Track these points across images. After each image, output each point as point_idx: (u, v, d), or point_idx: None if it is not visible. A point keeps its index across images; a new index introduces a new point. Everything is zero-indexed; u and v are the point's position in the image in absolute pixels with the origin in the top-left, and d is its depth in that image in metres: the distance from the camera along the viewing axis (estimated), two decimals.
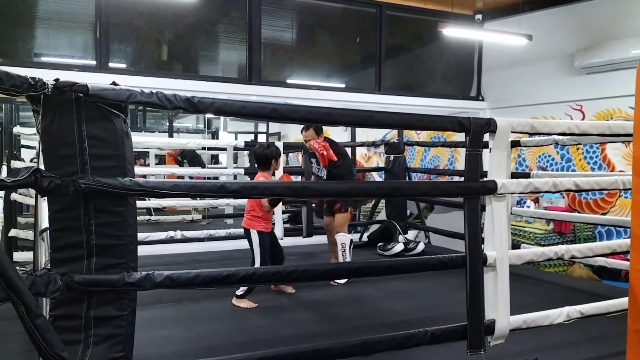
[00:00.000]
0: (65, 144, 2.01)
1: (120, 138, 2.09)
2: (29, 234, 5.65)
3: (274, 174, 4.64)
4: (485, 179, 2.74)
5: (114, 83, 2.04)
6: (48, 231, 2.12)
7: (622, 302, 2.98)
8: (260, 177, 4.39)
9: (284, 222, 6.30)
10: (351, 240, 5.18)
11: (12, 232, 5.71)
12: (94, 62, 5.76)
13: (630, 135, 2.84)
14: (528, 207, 6.56)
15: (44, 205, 2.70)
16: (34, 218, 3.08)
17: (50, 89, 1.93)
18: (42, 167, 2.06)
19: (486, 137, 2.73)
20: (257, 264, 4.15)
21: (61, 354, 1.74)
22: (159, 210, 7.77)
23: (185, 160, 9.80)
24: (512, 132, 2.81)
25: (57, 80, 1.96)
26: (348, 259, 5.03)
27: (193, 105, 2.13)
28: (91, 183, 1.99)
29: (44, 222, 2.75)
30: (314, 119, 2.38)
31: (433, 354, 2.92)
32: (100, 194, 2.03)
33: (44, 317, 1.77)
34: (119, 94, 2.01)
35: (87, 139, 2.02)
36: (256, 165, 4.52)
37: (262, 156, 4.35)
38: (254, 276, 2.27)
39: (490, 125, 2.68)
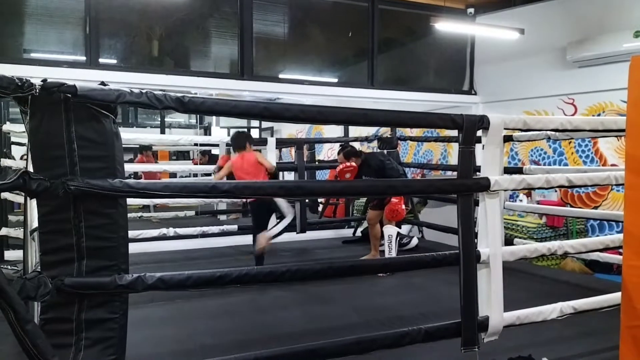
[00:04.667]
0: (54, 146, 1.98)
1: (109, 139, 2.06)
2: (20, 232, 5.58)
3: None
4: (478, 175, 2.73)
5: (102, 83, 2.01)
6: (38, 233, 2.10)
7: (615, 297, 2.99)
8: (247, 156, 5.05)
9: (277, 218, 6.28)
10: (397, 232, 5.43)
11: (3, 231, 5.65)
12: (83, 58, 5.70)
13: (623, 130, 2.84)
14: (521, 201, 6.57)
15: (33, 204, 2.67)
16: (23, 217, 3.04)
17: (37, 90, 1.89)
18: (30, 167, 2.04)
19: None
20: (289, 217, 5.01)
21: (51, 359, 1.72)
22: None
23: None
24: (505, 128, 2.81)
25: (44, 80, 1.92)
26: (394, 250, 5.28)
27: (183, 105, 2.10)
28: (81, 185, 1.97)
29: (34, 221, 2.73)
30: (306, 117, 2.36)
31: (427, 351, 2.92)
32: (90, 196, 2.00)
33: (33, 322, 1.75)
34: (107, 94, 1.98)
35: (76, 140, 2.00)
36: (232, 148, 5.41)
37: (237, 138, 5.23)
38: (246, 277, 2.26)
39: (483, 122, 2.67)
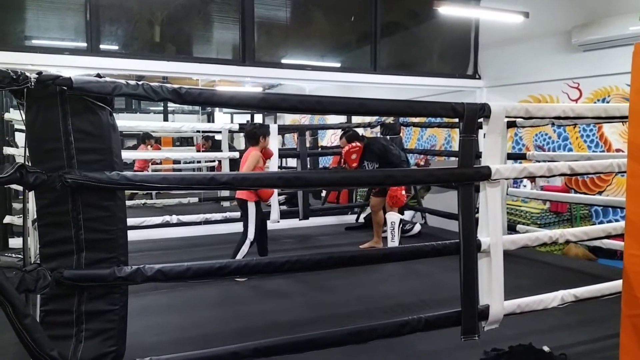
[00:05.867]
0: (50, 138, 1.99)
1: (106, 131, 2.06)
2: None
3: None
4: (479, 164, 2.71)
5: (98, 75, 2.00)
6: (37, 225, 2.10)
7: (616, 285, 2.99)
8: (252, 151, 4.73)
9: (280, 205, 6.30)
10: (400, 219, 5.41)
11: (7, 219, 5.68)
12: (85, 45, 5.66)
13: (626, 117, 2.81)
14: (524, 186, 6.54)
15: (32, 195, 2.67)
16: (22, 208, 3.04)
17: (33, 83, 1.89)
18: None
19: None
20: (250, 234, 4.60)
21: (50, 353, 1.74)
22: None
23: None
24: (506, 116, 2.78)
25: (40, 73, 1.91)
26: (396, 237, 5.28)
27: (180, 96, 2.09)
28: (78, 178, 1.97)
29: (35, 212, 2.73)
30: (305, 108, 2.35)
31: (428, 339, 2.92)
32: (87, 189, 2.00)
33: (31, 316, 1.76)
34: (103, 86, 1.97)
35: (73, 133, 2.00)
36: (246, 141, 5.05)
37: (252, 133, 4.86)
38: (246, 268, 2.26)
39: (484, 111, 2.64)
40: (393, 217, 5.31)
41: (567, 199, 5.66)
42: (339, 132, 7.04)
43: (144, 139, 8.67)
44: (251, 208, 4.66)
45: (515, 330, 3.10)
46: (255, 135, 4.81)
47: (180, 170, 9.27)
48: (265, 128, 5.04)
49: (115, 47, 6.08)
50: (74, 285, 2.03)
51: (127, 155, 6.28)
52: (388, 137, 6.71)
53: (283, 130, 7.58)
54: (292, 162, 9.80)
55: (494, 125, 2.70)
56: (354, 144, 5.35)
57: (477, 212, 2.79)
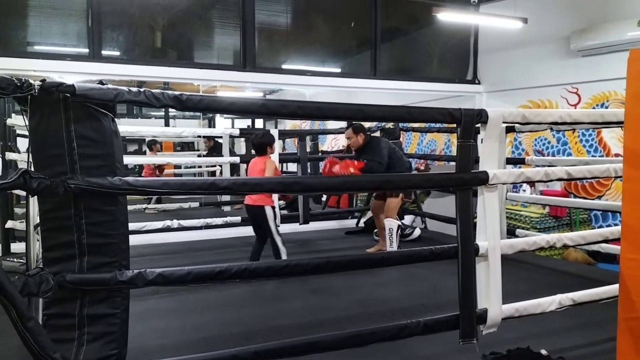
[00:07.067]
0: (53, 144, 2.01)
1: (108, 137, 2.09)
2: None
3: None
4: (477, 169, 2.74)
5: (101, 82, 2.03)
6: (40, 230, 2.13)
7: (613, 289, 3.01)
8: (258, 162, 4.78)
9: (281, 209, 6.33)
10: (399, 225, 5.39)
11: (9, 224, 5.70)
12: (86, 51, 5.70)
13: (623, 122, 2.84)
14: (524, 190, 6.56)
15: (35, 200, 2.70)
16: (25, 212, 3.08)
17: (36, 90, 1.92)
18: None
19: None
20: (277, 238, 4.63)
21: (53, 355, 1.76)
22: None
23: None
24: (504, 122, 2.81)
25: (43, 80, 1.95)
26: (395, 244, 5.25)
27: (181, 103, 2.12)
28: (80, 183, 2.00)
29: (37, 217, 2.76)
30: (304, 113, 2.38)
31: (427, 342, 2.95)
32: (90, 194, 2.03)
33: (35, 319, 1.79)
34: (105, 93, 2.00)
35: (76, 139, 2.02)
36: (253, 151, 4.96)
37: (258, 144, 4.83)
38: (246, 272, 2.29)
39: (481, 116, 2.67)
40: (391, 223, 5.32)
41: (567, 203, 5.69)
42: (340, 136, 7.06)
43: (150, 146, 8.74)
44: (269, 212, 4.63)
45: (514, 334, 3.12)
46: (262, 145, 4.82)
47: (180, 175, 9.33)
48: (271, 136, 4.97)
49: (117, 53, 6.12)
50: (77, 289, 2.06)
51: (129, 160, 6.31)
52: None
53: (284, 135, 7.62)
54: (292, 167, 9.83)
55: (492, 130, 2.73)
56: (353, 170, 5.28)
57: (476, 216, 2.82)
